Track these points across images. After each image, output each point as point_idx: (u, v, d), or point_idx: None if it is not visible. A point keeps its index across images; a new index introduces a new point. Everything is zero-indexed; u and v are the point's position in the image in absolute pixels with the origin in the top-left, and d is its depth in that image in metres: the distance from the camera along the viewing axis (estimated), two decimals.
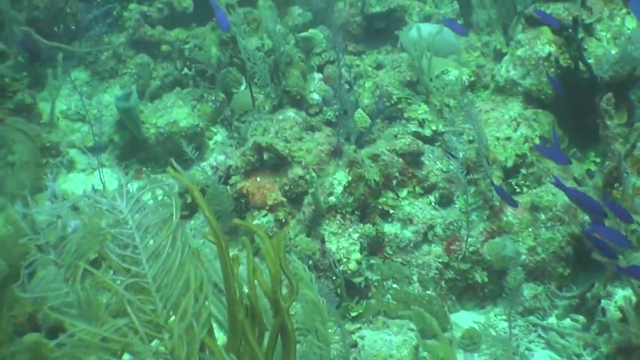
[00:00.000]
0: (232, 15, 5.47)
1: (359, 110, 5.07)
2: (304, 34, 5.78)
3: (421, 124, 5.08)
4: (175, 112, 5.45)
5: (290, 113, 4.95)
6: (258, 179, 4.44)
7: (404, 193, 4.52)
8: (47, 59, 5.92)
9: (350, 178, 4.25)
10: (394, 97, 5.18)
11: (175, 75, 6.19)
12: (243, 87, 5.75)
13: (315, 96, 5.25)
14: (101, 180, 5.18)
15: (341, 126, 4.60)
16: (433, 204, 4.56)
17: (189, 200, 4.60)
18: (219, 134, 5.71)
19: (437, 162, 4.71)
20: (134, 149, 5.58)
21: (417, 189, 4.56)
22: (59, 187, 5.29)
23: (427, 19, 6.50)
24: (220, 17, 5.03)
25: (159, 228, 1.80)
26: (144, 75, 6.20)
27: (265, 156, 4.40)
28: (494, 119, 4.98)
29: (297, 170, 4.37)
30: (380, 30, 6.47)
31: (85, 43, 6.44)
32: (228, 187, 4.49)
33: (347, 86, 5.44)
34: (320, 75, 5.57)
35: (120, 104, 5.30)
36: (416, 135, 4.97)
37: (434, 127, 5.05)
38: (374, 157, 4.48)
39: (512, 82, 5.15)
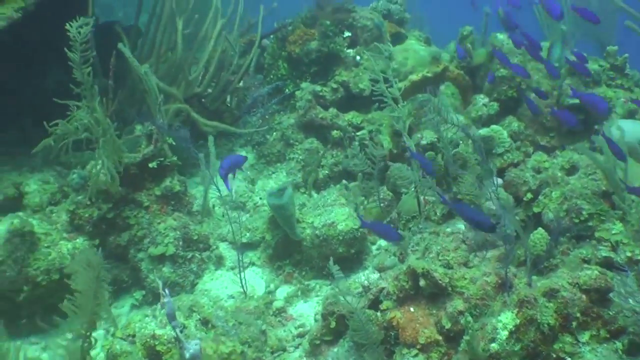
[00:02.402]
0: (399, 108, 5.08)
1: (540, 229, 4.49)
2: (484, 130, 5.28)
3: (614, 247, 4.43)
4: (335, 212, 5.05)
5: (461, 226, 4.47)
6: (411, 309, 3.95)
7: (585, 337, 3.88)
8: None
9: (518, 321, 3.67)
10: (584, 212, 4.56)
11: (345, 165, 5.83)
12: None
13: (493, 206, 4.75)
14: (242, 286, 4.86)
15: (511, 251, 4.04)
16: (620, 352, 3.90)
17: (332, 324, 4.19)
18: None
19: (630, 299, 4.05)
20: (289, 248, 5.23)
21: (602, 333, 3.90)
22: (204, 285, 5.05)
23: (631, 113, 5.82)
24: None
25: None
26: (311, 163, 5.89)
27: (422, 283, 3.92)
28: None
29: (457, 304, 3.84)
30: (579, 123, 5.89)
31: (251, 121, 6.24)
32: (378, 313, 4.05)
33: (530, 195, 4.90)
34: (500, 181, 5.05)
35: (272, 200, 4.97)
36: (607, 261, 4.30)
37: (629, 253, 4.38)
38: (551, 294, 3.86)
39: None
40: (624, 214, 4.54)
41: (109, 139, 4.78)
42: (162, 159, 5.18)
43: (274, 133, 6.21)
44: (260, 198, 5.81)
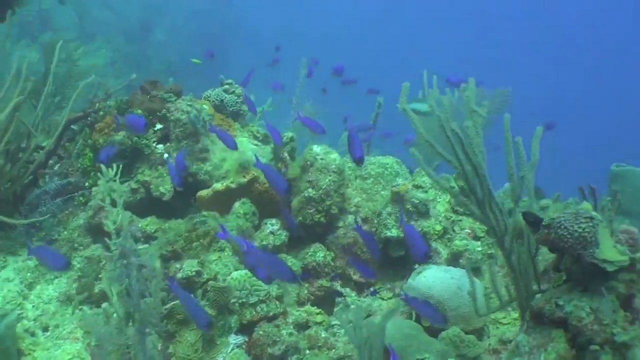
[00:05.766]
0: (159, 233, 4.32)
1: None
2: (236, 273, 4.43)
3: None
4: (63, 349, 4.25)
5: None
6: None
7: None
8: None
9: None
10: None
11: None
12: None
13: None
14: None
15: None
16: None
17: None
18: None
19: None
20: None
21: None
22: None
23: (455, 256, 4.96)
24: None
25: None
26: (89, 274, 5.09)
27: None
28: None
29: None
30: (400, 259, 5.07)
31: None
32: None
33: None
34: (240, 339, 4.22)
35: None
36: None
37: None
38: None
39: None
40: None
41: None
42: None
43: (64, 232, 5.43)
44: (33, 306, 5.01)
